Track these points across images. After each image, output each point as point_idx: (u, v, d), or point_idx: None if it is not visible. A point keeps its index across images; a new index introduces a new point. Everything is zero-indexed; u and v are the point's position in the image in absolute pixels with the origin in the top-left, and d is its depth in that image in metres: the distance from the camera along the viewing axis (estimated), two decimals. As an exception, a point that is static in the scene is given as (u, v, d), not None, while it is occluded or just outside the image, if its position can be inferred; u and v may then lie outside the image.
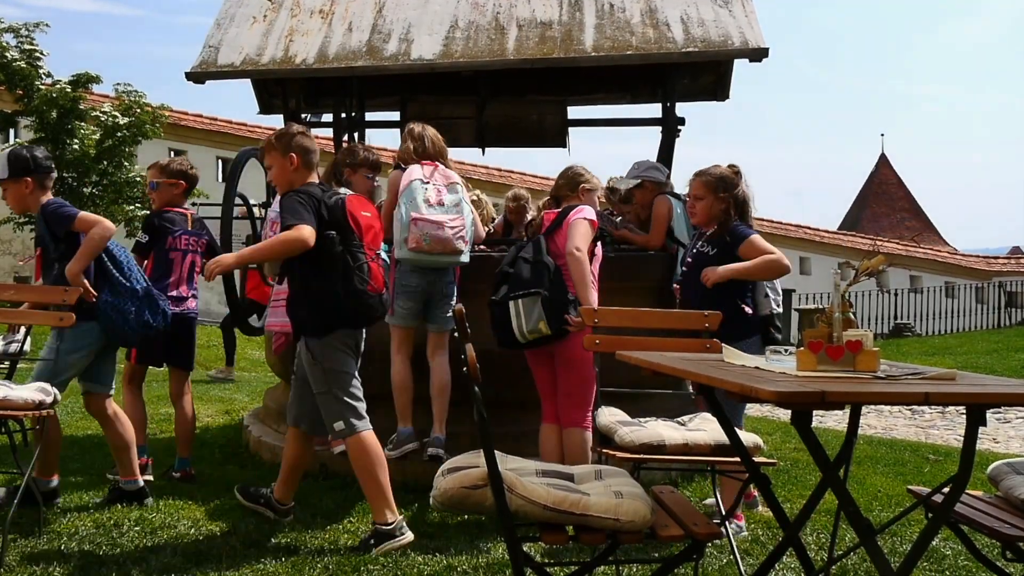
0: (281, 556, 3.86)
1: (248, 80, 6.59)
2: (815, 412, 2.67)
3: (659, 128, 6.29)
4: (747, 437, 3.39)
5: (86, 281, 4.34)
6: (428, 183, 4.76)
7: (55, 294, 4.29)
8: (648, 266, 5.55)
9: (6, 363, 5.92)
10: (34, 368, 4.46)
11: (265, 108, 7.09)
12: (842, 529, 4.04)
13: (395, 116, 7.22)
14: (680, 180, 6.97)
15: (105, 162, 16.57)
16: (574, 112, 7.18)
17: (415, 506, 4.62)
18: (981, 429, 2.43)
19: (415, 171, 4.84)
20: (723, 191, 4.41)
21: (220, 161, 21.47)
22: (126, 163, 17.26)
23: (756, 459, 3.23)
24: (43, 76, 16.72)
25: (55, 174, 4.55)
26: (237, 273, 5.61)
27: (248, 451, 5.96)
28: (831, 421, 7.97)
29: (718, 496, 3.96)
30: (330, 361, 4.03)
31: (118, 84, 17.61)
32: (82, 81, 16.75)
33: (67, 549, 3.89)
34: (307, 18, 6.11)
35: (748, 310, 4.34)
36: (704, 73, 6.70)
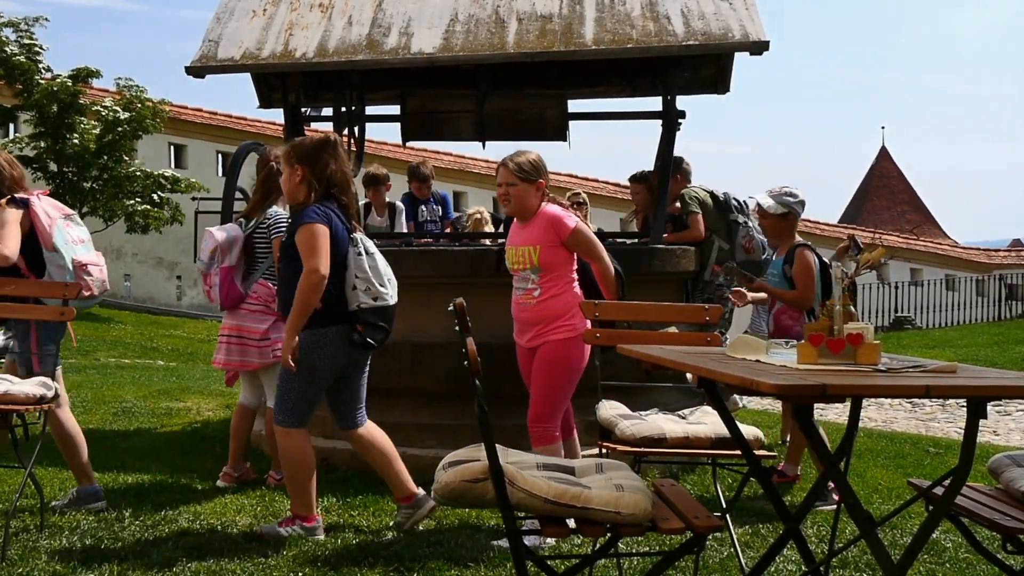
0: (282, 550, 3.87)
1: (248, 74, 6.58)
2: (816, 405, 2.67)
3: (659, 121, 6.28)
4: (748, 430, 3.39)
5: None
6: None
7: (56, 289, 4.28)
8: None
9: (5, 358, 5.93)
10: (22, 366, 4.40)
11: (265, 102, 7.08)
12: (842, 522, 4.05)
13: (395, 110, 7.21)
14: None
15: (105, 157, 16.58)
16: (574, 105, 7.17)
17: (416, 500, 4.63)
18: (981, 422, 2.43)
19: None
20: None
21: (220, 155, 21.45)
22: (126, 157, 17.25)
23: (757, 452, 3.24)
24: (43, 71, 16.72)
25: None
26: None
27: (248, 445, 5.96)
28: (832, 414, 7.98)
29: (719, 489, 3.96)
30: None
31: (119, 79, 17.62)
32: (82, 76, 16.74)
33: (68, 543, 3.90)
34: (307, 12, 6.10)
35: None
36: (704, 66, 6.68)
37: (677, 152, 6.29)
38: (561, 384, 4.23)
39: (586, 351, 4.23)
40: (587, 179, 23.05)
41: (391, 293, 4.11)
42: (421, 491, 4.22)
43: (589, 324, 4.12)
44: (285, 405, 4.06)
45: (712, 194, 6.15)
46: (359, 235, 4.10)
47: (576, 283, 4.30)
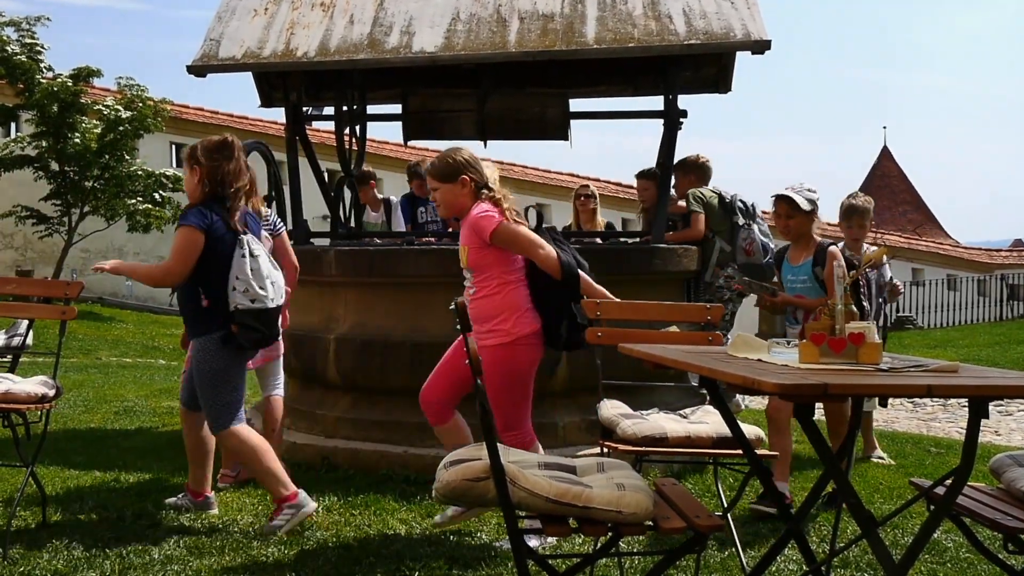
0: (283, 548, 3.87)
1: (249, 73, 6.58)
2: (816, 405, 2.67)
3: (661, 121, 6.28)
4: (749, 430, 3.39)
5: None
6: None
7: (58, 288, 4.29)
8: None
9: (8, 356, 5.93)
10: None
11: (266, 101, 7.08)
12: (844, 521, 4.04)
13: (397, 109, 7.21)
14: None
15: (107, 156, 16.59)
16: (576, 104, 7.17)
17: (417, 498, 4.63)
18: (983, 422, 2.43)
19: None
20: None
21: (221, 154, 21.46)
22: (128, 157, 17.26)
23: (758, 451, 3.24)
24: (44, 70, 16.73)
25: None
26: None
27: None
28: (833, 414, 7.97)
29: (720, 489, 3.96)
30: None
31: (120, 78, 17.63)
32: (83, 75, 16.76)
33: (70, 540, 3.90)
34: (308, 11, 6.10)
35: (205, 303, 4.12)
36: (706, 65, 6.68)
37: (678, 151, 6.29)
38: (507, 391, 3.99)
39: (528, 353, 3.99)
40: (588, 178, 23.04)
41: (271, 296, 4.11)
42: (213, 496, 4.43)
43: (536, 327, 3.94)
44: (212, 413, 4.16)
45: (720, 195, 6.12)
46: (247, 237, 4.12)
47: (520, 284, 4.01)
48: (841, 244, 5.10)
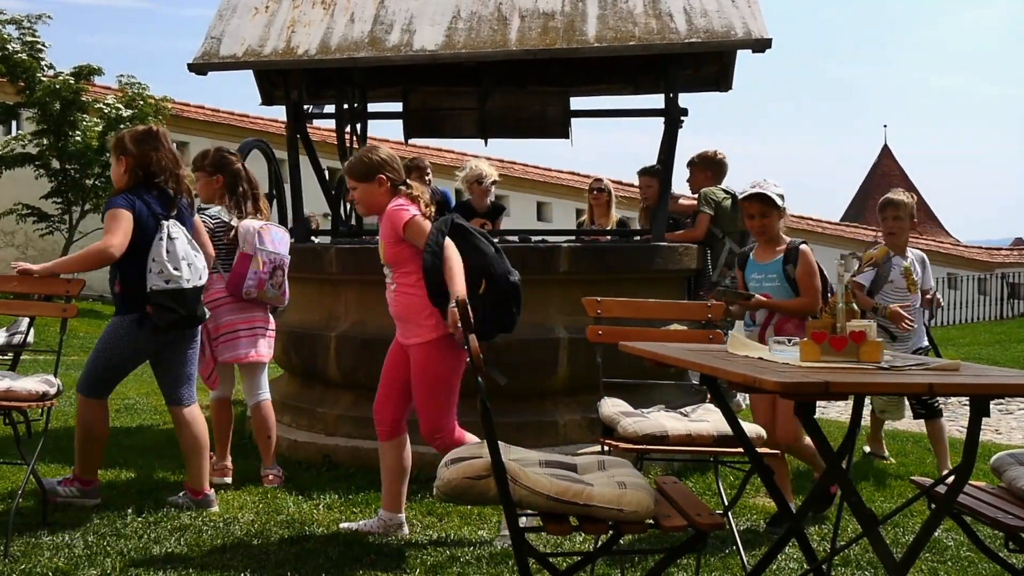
0: (284, 546, 3.87)
1: (250, 71, 6.58)
2: (817, 403, 2.66)
3: (662, 119, 6.28)
4: (750, 428, 3.39)
5: None
6: None
7: (59, 285, 4.29)
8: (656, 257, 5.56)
9: (9, 354, 5.93)
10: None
11: (267, 99, 7.08)
12: (845, 520, 4.04)
13: (397, 107, 7.21)
14: (684, 173, 6.96)
15: (108, 154, 16.58)
16: (577, 103, 7.16)
17: (418, 496, 4.63)
18: (984, 420, 2.43)
19: None
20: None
21: (222, 153, 21.44)
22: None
23: (759, 450, 3.24)
24: (45, 68, 16.71)
25: None
26: None
27: (251, 441, 5.96)
28: (833, 412, 7.97)
29: (720, 487, 3.96)
30: None
31: (121, 76, 17.61)
32: (84, 73, 16.74)
33: (71, 539, 3.90)
34: (309, 9, 6.10)
35: (118, 288, 4.25)
36: (707, 64, 6.68)
37: (678, 150, 6.28)
38: (432, 392, 3.93)
39: (451, 352, 3.91)
40: (589, 177, 23.02)
41: (187, 276, 4.19)
42: (212, 493, 4.49)
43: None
44: (88, 376, 4.29)
45: (734, 196, 5.97)
46: (168, 222, 4.22)
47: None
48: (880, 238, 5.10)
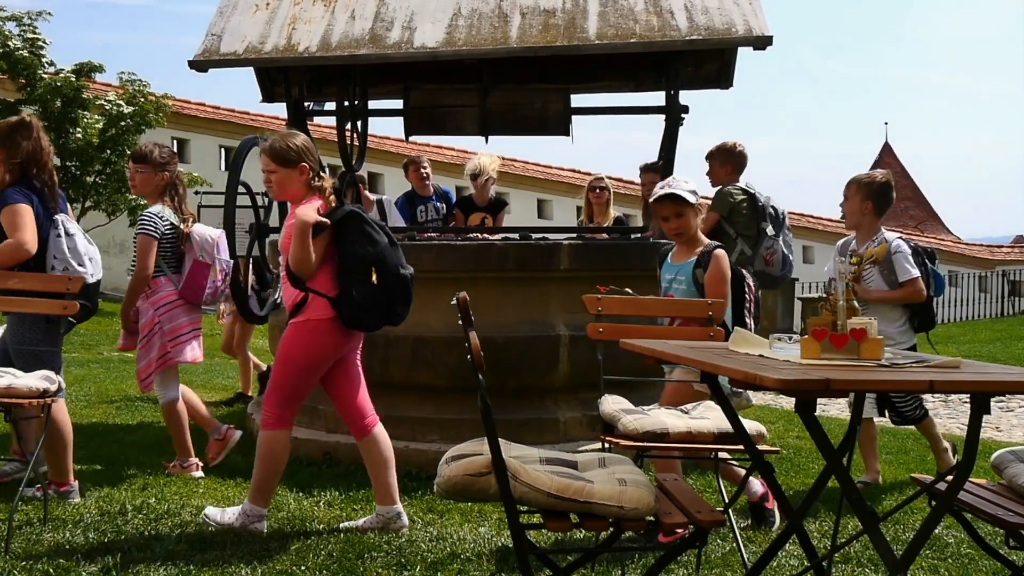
0: (285, 543, 3.87)
1: (251, 68, 6.57)
2: (818, 400, 2.66)
3: (662, 116, 6.28)
4: (750, 425, 3.39)
5: None
6: None
7: (59, 282, 4.29)
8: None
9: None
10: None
11: (268, 96, 7.07)
12: (845, 517, 4.05)
13: (398, 104, 7.21)
14: (684, 172, 6.92)
15: (108, 151, 16.58)
16: (577, 100, 7.16)
17: (419, 493, 4.63)
18: (984, 418, 2.43)
19: None
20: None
21: (223, 150, 21.45)
22: (129, 152, 17.25)
23: (759, 447, 3.24)
24: (46, 65, 16.71)
25: None
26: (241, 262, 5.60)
27: (252, 438, 5.97)
28: (834, 410, 7.98)
29: (721, 484, 3.96)
30: None
31: (122, 73, 17.60)
32: (85, 70, 16.73)
33: (71, 536, 3.90)
34: (310, 6, 6.09)
35: None
36: (708, 61, 6.68)
37: (679, 148, 6.27)
38: (287, 371, 3.96)
39: (321, 343, 3.95)
40: (589, 174, 23.00)
41: (91, 271, 4.25)
42: (76, 484, 4.46)
43: (331, 315, 3.91)
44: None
45: (753, 196, 5.74)
46: (61, 217, 4.24)
47: (329, 272, 3.95)
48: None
